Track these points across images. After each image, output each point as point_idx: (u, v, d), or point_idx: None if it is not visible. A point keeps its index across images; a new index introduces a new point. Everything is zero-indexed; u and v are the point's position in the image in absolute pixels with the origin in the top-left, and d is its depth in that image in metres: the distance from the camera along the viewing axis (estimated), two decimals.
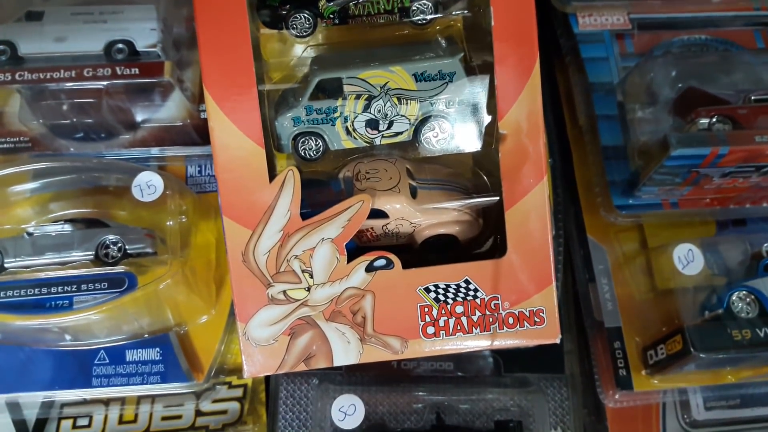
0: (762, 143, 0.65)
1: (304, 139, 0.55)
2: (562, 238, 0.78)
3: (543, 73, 0.76)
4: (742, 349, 0.61)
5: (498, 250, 0.54)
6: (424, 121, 0.54)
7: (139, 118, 0.77)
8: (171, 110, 0.77)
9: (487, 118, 0.54)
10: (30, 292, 0.65)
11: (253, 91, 0.52)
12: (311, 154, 0.56)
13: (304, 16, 0.54)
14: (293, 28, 0.55)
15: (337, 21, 0.55)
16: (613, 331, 0.71)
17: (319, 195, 0.57)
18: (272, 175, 0.53)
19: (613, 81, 0.79)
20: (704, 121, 0.68)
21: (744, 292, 0.66)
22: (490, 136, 0.55)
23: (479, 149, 0.55)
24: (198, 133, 0.78)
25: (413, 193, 0.56)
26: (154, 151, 0.78)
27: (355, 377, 0.65)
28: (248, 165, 0.53)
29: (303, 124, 0.54)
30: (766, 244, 0.70)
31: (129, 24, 0.73)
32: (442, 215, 0.56)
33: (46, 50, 0.72)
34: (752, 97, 0.70)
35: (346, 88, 0.53)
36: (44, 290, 0.65)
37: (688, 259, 0.66)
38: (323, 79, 0.54)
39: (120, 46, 0.72)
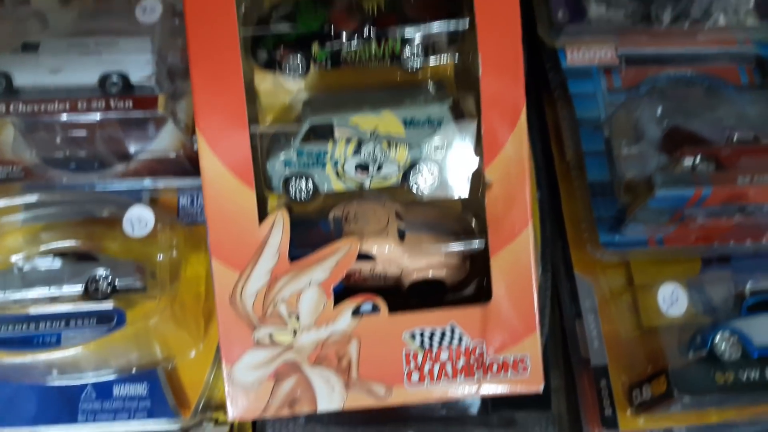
0: (744, 185, 0.67)
1: (295, 180, 0.56)
2: (549, 272, 0.79)
3: (532, 107, 0.78)
4: (725, 392, 0.62)
5: (484, 293, 0.55)
6: (413, 165, 0.55)
7: (132, 149, 0.78)
8: (164, 141, 0.78)
9: (474, 164, 0.55)
10: (18, 328, 0.65)
11: (244, 133, 0.53)
12: (302, 195, 0.56)
13: (297, 60, 0.55)
14: (286, 70, 0.56)
15: (329, 65, 0.56)
16: (600, 369, 0.72)
17: (308, 235, 0.57)
18: (262, 214, 0.54)
19: (600, 116, 0.80)
20: (688, 161, 0.69)
21: (727, 332, 0.67)
22: (478, 180, 0.55)
23: (466, 195, 0.56)
24: (191, 163, 0.78)
25: (401, 236, 0.56)
26: (147, 182, 0.78)
27: (342, 416, 0.65)
28: (238, 206, 0.53)
29: (294, 166, 0.55)
30: (749, 284, 0.71)
31: (124, 56, 0.73)
32: (429, 259, 0.56)
33: (41, 82, 0.73)
34: (735, 137, 0.72)
35: (337, 132, 0.54)
36: (32, 326, 0.65)
37: (672, 300, 0.67)
38: (315, 123, 0.54)
39: (114, 78, 0.73)
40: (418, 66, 0.56)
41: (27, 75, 0.73)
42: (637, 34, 0.82)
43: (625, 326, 0.75)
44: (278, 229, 0.53)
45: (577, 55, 0.82)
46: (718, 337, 0.67)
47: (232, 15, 0.51)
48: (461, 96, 0.56)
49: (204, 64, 0.52)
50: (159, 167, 0.78)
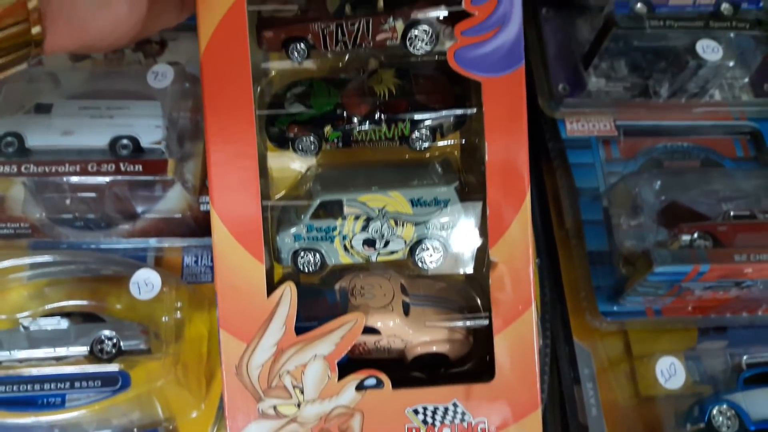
0: (741, 262, 0.68)
1: (303, 254, 0.57)
2: (549, 338, 0.80)
3: (531, 174, 0.80)
4: None
5: (487, 369, 0.56)
6: (419, 242, 0.56)
7: (139, 209, 0.79)
8: (171, 202, 0.79)
9: (479, 242, 0.57)
10: (22, 388, 0.66)
11: (257, 209, 0.54)
12: (309, 268, 0.58)
13: (310, 140, 0.57)
14: (299, 150, 0.58)
15: (340, 144, 0.58)
16: None
17: (314, 306, 0.58)
18: (270, 285, 0.55)
19: (599, 186, 0.82)
20: (686, 237, 0.71)
21: (724, 406, 0.68)
22: (483, 257, 0.57)
23: (471, 271, 0.57)
24: (197, 224, 0.80)
25: (406, 311, 0.57)
26: (152, 241, 0.79)
27: None
28: (248, 280, 0.54)
29: (303, 240, 0.57)
30: (745, 357, 0.73)
31: (134, 120, 0.75)
32: (433, 334, 0.57)
33: (53, 143, 0.74)
34: (731, 214, 0.74)
35: (346, 210, 0.56)
36: (37, 387, 0.66)
37: (670, 373, 0.68)
38: (325, 200, 0.56)
39: (125, 141, 0.75)
40: (426, 147, 0.57)
41: (39, 136, 0.74)
42: (636, 107, 0.85)
43: (623, 395, 0.75)
44: (286, 303, 0.54)
45: (577, 126, 0.85)
46: (715, 411, 0.68)
47: (249, 96, 0.53)
48: (467, 176, 0.58)
49: (221, 143, 0.53)
50: (165, 227, 0.80)
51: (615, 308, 0.76)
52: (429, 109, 0.57)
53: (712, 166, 0.86)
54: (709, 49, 0.78)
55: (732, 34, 0.79)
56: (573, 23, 0.87)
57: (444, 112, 0.57)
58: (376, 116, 0.56)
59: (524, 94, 0.53)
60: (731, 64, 0.80)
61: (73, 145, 0.74)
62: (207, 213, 0.70)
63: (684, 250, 0.70)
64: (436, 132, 0.58)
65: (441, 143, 0.59)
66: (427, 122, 0.57)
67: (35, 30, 0.45)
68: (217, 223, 0.53)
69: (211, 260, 0.79)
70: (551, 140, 0.86)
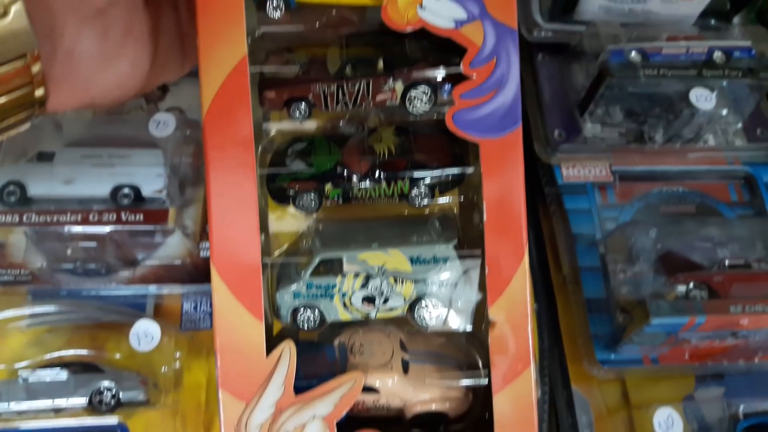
0: (736, 314, 0.69)
1: (303, 311, 0.57)
2: (547, 385, 0.80)
3: (529, 218, 0.80)
4: None
5: (487, 427, 0.56)
6: (419, 299, 0.57)
7: (139, 255, 0.79)
8: (171, 248, 0.80)
9: (478, 299, 0.57)
10: None
11: (257, 267, 0.54)
12: (309, 325, 0.58)
13: (311, 197, 0.58)
14: (299, 206, 0.58)
15: (341, 201, 0.58)
16: None
17: (313, 363, 0.58)
18: (269, 338, 0.55)
19: (595, 233, 0.83)
20: (682, 287, 0.71)
21: None
22: (482, 314, 0.57)
23: (470, 328, 0.58)
24: (197, 270, 0.80)
25: (405, 368, 0.58)
26: (152, 288, 0.80)
27: None
28: (248, 339, 0.54)
29: (303, 298, 0.57)
30: (742, 406, 0.73)
31: (136, 169, 0.76)
32: (432, 392, 0.58)
33: (55, 192, 0.75)
34: (727, 263, 0.74)
35: (346, 267, 0.56)
36: None
37: (668, 425, 0.68)
38: (325, 257, 0.56)
39: (126, 190, 0.75)
40: (425, 204, 0.58)
41: (41, 185, 0.75)
42: (631, 153, 0.86)
43: None
44: (285, 362, 0.54)
45: (573, 172, 0.86)
46: None
47: (251, 155, 0.54)
48: (466, 233, 0.59)
49: (222, 201, 0.54)
50: (165, 273, 0.80)
51: (612, 356, 0.76)
52: (428, 167, 0.58)
53: (707, 210, 0.87)
54: (702, 98, 0.79)
55: (725, 83, 0.80)
56: (568, 69, 0.88)
57: (442, 171, 0.58)
58: (376, 174, 0.57)
59: (521, 155, 0.54)
60: (724, 112, 0.81)
61: (74, 194, 0.75)
62: (207, 259, 0.71)
63: (680, 301, 0.70)
64: (435, 189, 0.58)
65: (440, 200, 0.60)
66: (426, 180, 0.58)
67: (39, 92, 0.46)
68: (216, 281, 0.54)
69: (210, 306, 0.80)
70: (547, 185, 0.87)
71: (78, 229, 0.73)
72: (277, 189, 0.58)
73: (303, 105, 0.57)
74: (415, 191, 0.58)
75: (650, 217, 0.86)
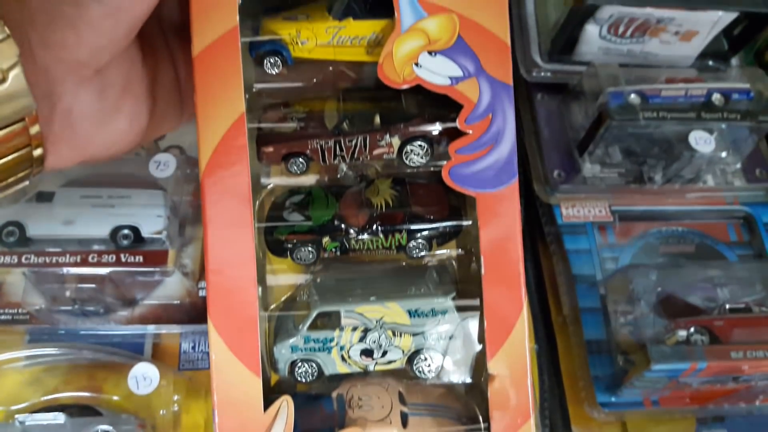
0: (737, 359, 0.68)
1: (300, 364, 0.57)
2: (548, 427, 0.79)
3: (528, 257, 0.80)
4: None
5: None
6: (417, 352, 0.57)
7: (137, 295, 0.79)
8: (170, 288, 0.80)
9: (477, 351, 0.57)
10: None
11: (254, 322, 0.54)
12: (306, 378, 0.58)
13: (308, 250, 0.58)
14: (297, 259, 0.58)
15: (338, 253, 0.58)
16: None
17: (311, 416, 0.58)
18: (266, 387, 0.55)
19: (596, 273, 0.83)
20: (682, 332, 0.71)
21: None
22: (481, 366, 0.57)
23: (469, 380, 0.58)
24: (195, 310, 0.80)
25: (404, 422, 0.57)
26: (150, 328, 0.79)
27: None
28: (245, 395, 0.54)
29: (300, 351, 0.57)
30: None
31: (136, 210, 0.76)
32: None
33: (54, 233, 0.75)
34: (727, 307, 0.74)
35: (344, 321, 0.56)
36: None
37: None
38: (323, 311, 0.56)
39: (126, 231, 0.75)
40: (423, 256, 0.58)
41: (40, 226, 0.75)
42: (630, 193, 0.86)
43: None
44: (282, 418, 0.54)
45: (572, 212, 0.86)
46: None
47: (249, 209, 0.54)
48: (465, 285, 0.58)
49: (219, 256, 0.54)
50: (163, 313, 0.80)
51: (613, 399, 0.76)
52: (425, 220, 0.58)
53: (706, 250, 0.87)
54: (702, 141, 0.80)
55: (724, 125, 0.80)
56: (567, 108, 0.88)
57: (440, 224, 0.58)
58: (374, 227, 0.57)
59: (518, 208, 0.54)
60: (724, 155, 0.82)
61: (74, 234, 0.75)
62: (205, 299, 0.71)
63: (681, 346, 0.70)
64: (433, 241, 0.58)
65: (438, 252, 0.60)
66: (424, 232, 0.58)
67: (37, 152, 0.46)
68: (214, 336, 0.54)
69: (208, 346, 0.79)
70: (547, 224, 0.87)
71: (77, 270, 0.73)
72: (274, 242, 0.58)
73: (301, 160, 0.57)
74: (412, 243, 0.58)
75: (650, 257, 0.85)
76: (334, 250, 0.58)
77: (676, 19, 0.81)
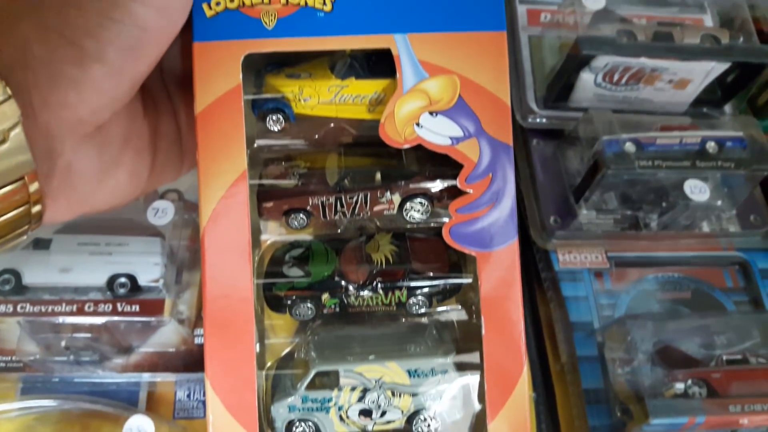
0: (735, 413, 0.68)
1: (298, 424, 0.57)
2: None
3: (526, 303, 0.80)
4: None
5: None
6: (417, 412, 0.56)
7: (133, 343, 0.79)
8: (166, 336, 0.79)
9: (477, 411, 0.57)
10: None
11: (252, 381, 0.54)
12: None
13: (307, 306, 0.58)
14: (296, 315, 0.58)
15: (338, 310, 0.58)
16: None
17: None
18: None
19: (593, 320, 0.83)
20: (680, 385, 0.71)
21: None
22: (482, 426, 0.57)
23: None
24: (191, 357, 0.79)
25: None
26: (145, 376, 0.79)
27: None
28: None
29: (298, 411, 0.56)
30: None
31: (133, 258, 0.76)
32: None
33: (51, 281, 0.74)
34: (724, 358, 0.74)
35: (343, 381, 0.56)
36: None
37: None
38: (321, 370, 0.56)
39: (123, 280, 0.75)
40: (423, 313, 0.58)
41: (37, 274, 0.74)
42: (626, 239, 0.86)
43: None
44: None
45: (569, 258, 0.86)
46: None
47: (247, 267, 0.53)
48: (465, 343, 0.58)
49: (219, 314, 0.54)
50: (159, 360, 0.79)
51: None
52: (425, 276, 0.58)
53: (702, 297, 0.87)
54: (696, 190, 0.80)
55: (718, 174, 0.81)
56: (563, 154, 0.89)
57: (440, 281, 0.58)
58: (374, 284, 0.57)
59: (518, 267, 0.54)
60: (719, 203, 0.82)
61: (70, 283, 0.75)
62: (202, 346, 0.71)
63: (679, 400, 0.70)
64: (433, 298, 0.58)
65: (438, 308, 0.60)
66: (424, 290, 0.58)
67: (36, 209, 0.46)
68: (211, 395, 0.53)
69: (204, 394, 0.79)
70: (544, 270, 0.87)
71: (73, 319, 0.72)
72: (273, 297, 0.58)
73: (301, 215, 0.57)
74: (412, 300, 0.58)
75: (647, 304, 0.86)
76: (333, 306, 0.58)
77: (670, 68, 0.82)
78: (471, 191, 0.54)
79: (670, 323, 0.76)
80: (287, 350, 0.60)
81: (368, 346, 0.57)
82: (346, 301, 0.58)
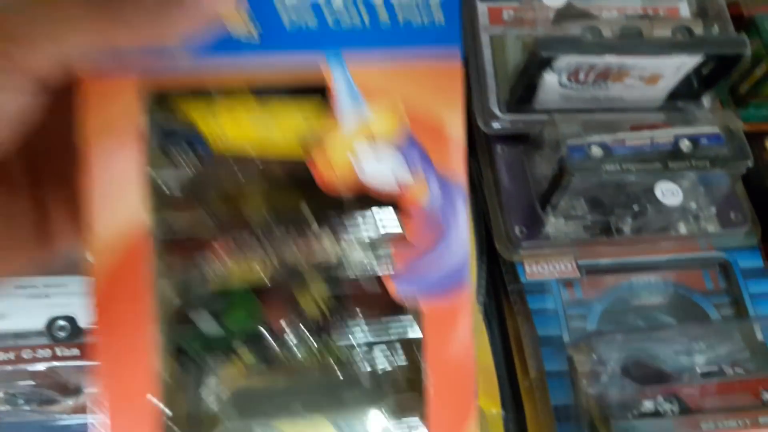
0: (708, 430, 0.65)
1: None
2: None
3: (493, 318, 0.76)
4: None
5: None
6: None
7: (81, 384, 0.75)
8: None
9: None
10: None
11: None
12: None
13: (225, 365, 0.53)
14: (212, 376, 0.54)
15: (260, 364, 0.54)
16: None
17: None
18: None
19: (562, 333, 0.79)
20: (649, 403, 0.67)
21: None
22: None
23: None
24: None
25: None
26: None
27: None
28: None
29: None
30: None
31: (72, 299, 0.72)
32: None
33: None
34: (698, 371, 0.70)
35: None
36: None
37: None
38: (231, 428, 0.52)
39: (62, 323, 0.71)
40: (362, 370, 0.54)
41: None
42: (598, 246, 0.82)
43: None
44: None
45: (536, 269, 0.82)
46: None
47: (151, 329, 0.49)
48: (406, 396, 0.54)
49: (117, 387, 0.50)
50: None
51: None
52: (363, 323, 0.54)
53: (681, 301, 0.83)
54: (668, 193, 0.75)
55: (693, 173, 0.76)
56: (529, 160, 0.84)
57: (380, 328, 0.53)
58: (303, 335, 0.53)
59: (470, 319, 0.50)
60: (694, 206, 0.77)
61: (9, 328, 0.71)
62: None
63: (647, 420, 0.66)
64: (373, 347, 0.54)
65: (377, 359, 0.56)
66: (362, 340, 0.54)
67: None
68: None
69: None
70: (511, 283, 0.82)
71: (11, 368, 0.69)
72: (184, 359, 0.54)
73: (219, 259, 0.53)
74: (348, 351, 0.54)
75: (621, 313, 0.82)
76: (256, 363, 0.54)
77: (638, 65, 0.76)
78: (418, 239, 0.49)
79: (641, 336, 0.72)
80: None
81: (293, 399, 0.53)
82: (269, 357, 0.53)
